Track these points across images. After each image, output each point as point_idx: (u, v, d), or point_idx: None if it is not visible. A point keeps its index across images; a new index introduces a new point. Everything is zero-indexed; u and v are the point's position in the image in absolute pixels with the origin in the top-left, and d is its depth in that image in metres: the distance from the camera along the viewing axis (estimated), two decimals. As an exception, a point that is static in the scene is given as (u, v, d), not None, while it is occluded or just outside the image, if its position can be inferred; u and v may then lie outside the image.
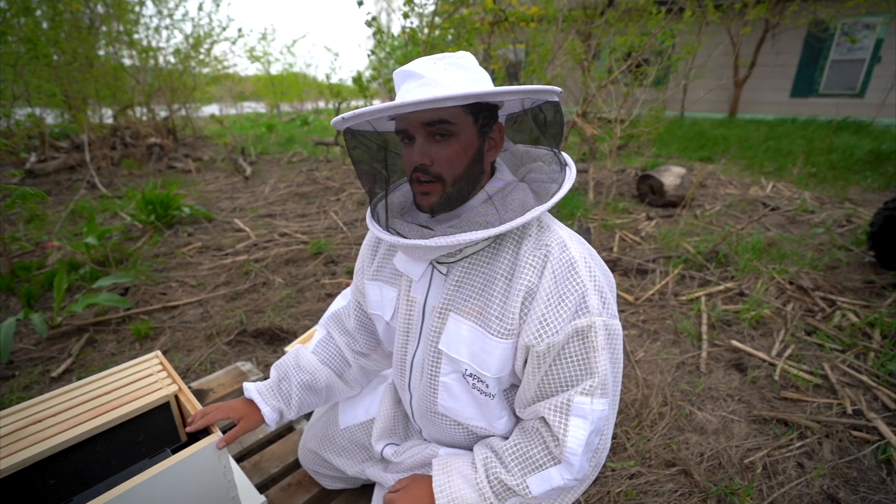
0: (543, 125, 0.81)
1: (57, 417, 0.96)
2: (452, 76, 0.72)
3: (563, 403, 0.73)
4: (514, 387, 0.86)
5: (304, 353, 1.08)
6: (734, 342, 2.05)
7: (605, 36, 4.41)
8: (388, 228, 0.80)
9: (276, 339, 2.09)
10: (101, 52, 6.52)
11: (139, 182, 5.24)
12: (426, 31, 4.09)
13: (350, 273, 2.78)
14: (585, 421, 0.73)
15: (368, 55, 5.88)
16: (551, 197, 0.74)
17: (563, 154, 0.83)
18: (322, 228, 3.62)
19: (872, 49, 7.68)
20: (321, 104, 15.22)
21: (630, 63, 3.55)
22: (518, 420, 0.89)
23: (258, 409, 1.01)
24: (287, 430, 1.42)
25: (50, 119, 7.09)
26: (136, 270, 2.79)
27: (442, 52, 4.14)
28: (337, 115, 5.89)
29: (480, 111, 0.75)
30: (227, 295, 2.55)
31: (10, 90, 4.11)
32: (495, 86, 0.86)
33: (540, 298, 0.73)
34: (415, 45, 4.41)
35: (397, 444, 1.03)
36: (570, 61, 4.54)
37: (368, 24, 4.31)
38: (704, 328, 2.16)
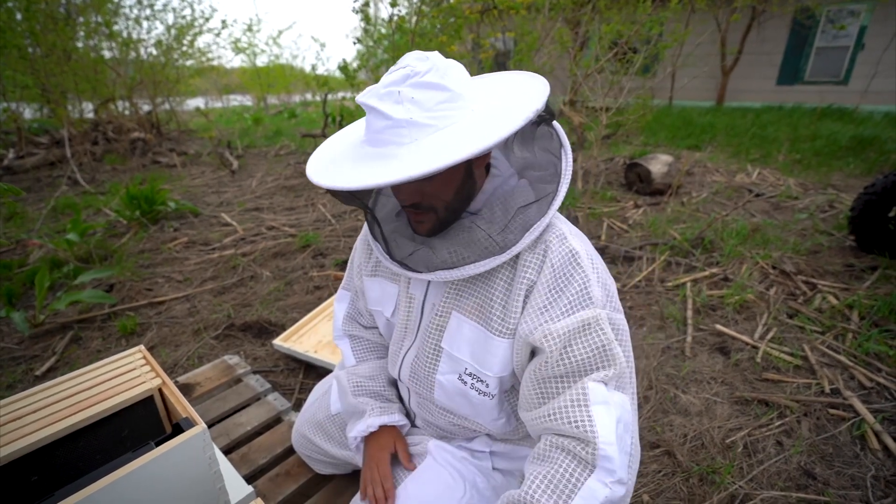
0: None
1: (38, 414, 0.95)
2: (423, 108, 0.63)
3: (579, 394, 0.66)
4: (516, 389, 0.84)
5: (356, 369, 1.04)
6: (718, 326, 2.09)
7: (593, 24, 4.40)
8: (391, 257, 0.81)
9: (264, 333, 2.08)
10: (80, 45, 6.35)
11: (123, 177, 5.15)
12: (414, 19, 4.05)
13: (339, 265, 2.77)
14: (608, 406, 0.65)
15: (354, 43, 5.81)
16: (549, 206, 0.72)
17: (560, 133, 0.76)
18: (310, 221, 3.60)
19: (856, 36, 7.75)
20: (308, 96, 15.03)
21: (616, 51, 3.55)
22: (517, 423, 0.89)
23: (393, 427, 0.98)
24: (275, 421, 1.42)
25: (28, 113, 6.91)
26: (121, 266, 2.76)
27: (430, 40, 4.07)
28: (323, 107, 5.80)
29: None
30: (214, 289, 2.53)
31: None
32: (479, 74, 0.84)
33: (539, 290, 0.71)
34: (402, 34, 4.36)
35: None
36: (558, 49, 4.52)
37: (356, 11, 4.25)
38: (690, 313, 2.19)
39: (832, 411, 1.60)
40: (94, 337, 2.11)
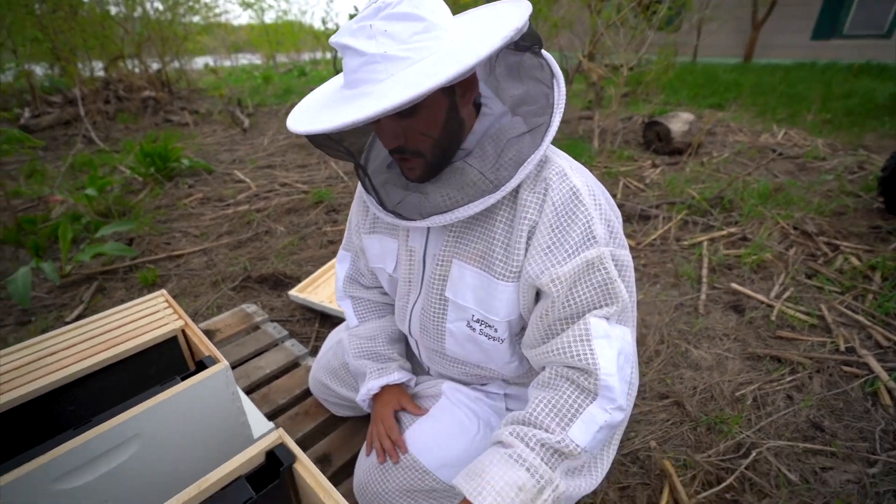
0: (519, 43, 0.72)
1: (71, 350, 0.99)
2: (398, 41, 0.60)
3: (581, 331, 0.69)
4: (525, 331, 0.85)
5: (357, 331, 1.06)
6: (734, 285, 2.07)
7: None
8: (384, 208, 0.79)
9: (279, 285, 2.13)
10: (85, 0, 6.21)
11: (136, 136, 5.15)
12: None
13: (352, 223, 2.78)
14: (609, 340, 0.69)
15: (364, -5, 5.57)
16: (543, 138, 0.69)
17: (550, 63, 0.73)
18: (322, 178, 3.59)
19: (905, -17, 7.16)
20: (318, 54, 14.63)
21: (640, 0, 3.35)
22: (530, 365, 0.89)
23: (396, 386, 1.00)
24: (293, 365, 1.48)
25: (38, 72, 6.87)
26: (140, 221, 2.81)
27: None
28: (333, 64, 5.68)
29: None
30: (230, 243, 2.57)
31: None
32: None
33: (542, 231, 0.70)
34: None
35: None
36: (579, 1, 4.29)
37: (364, -41, 4.05)
38: (705, 272, 2.17)
39: (846, 368, 1.60)
40: (117, 287, 2.18)
